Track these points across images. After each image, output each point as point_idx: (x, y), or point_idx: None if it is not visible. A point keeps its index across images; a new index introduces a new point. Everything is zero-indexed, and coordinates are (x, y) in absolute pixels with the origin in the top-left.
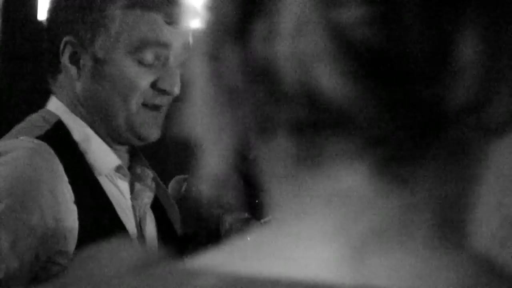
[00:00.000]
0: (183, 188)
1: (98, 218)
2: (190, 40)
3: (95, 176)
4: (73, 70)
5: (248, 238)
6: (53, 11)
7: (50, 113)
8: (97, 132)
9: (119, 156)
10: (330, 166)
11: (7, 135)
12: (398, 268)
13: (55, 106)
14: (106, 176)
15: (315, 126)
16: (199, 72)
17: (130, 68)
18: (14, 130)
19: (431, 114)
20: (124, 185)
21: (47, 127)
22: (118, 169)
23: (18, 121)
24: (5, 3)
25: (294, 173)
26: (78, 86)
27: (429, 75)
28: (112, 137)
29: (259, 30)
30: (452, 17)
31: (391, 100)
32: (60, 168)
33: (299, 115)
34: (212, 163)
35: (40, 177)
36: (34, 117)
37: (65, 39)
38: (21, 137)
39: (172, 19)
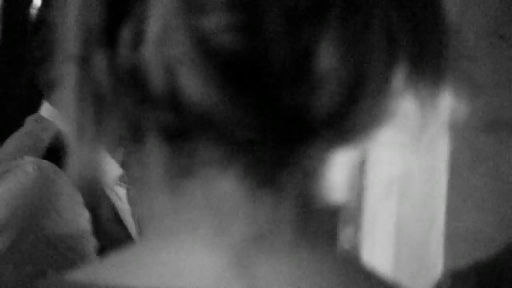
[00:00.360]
0: None
1: (109, 231)
2: None
3: (101, 187)
4: None
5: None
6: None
7: (46, 120)
8: None
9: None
10: (202, 173)
11: (5, 149)
12: (276, 272)
13: (49, 113)
14: (107, 185)
15: (184, 132)
16: (67, 75)
17: None
18: (12, 145)
19: (295, 120)
20: (122, 191)
21: (47, 140)
22: (120, 177)
23: (16, 125)
24: (5, 4)
25: (167, 181)
26: None
27: (291, 82)
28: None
29: (126, 34)
30: (314, 26)
31: (256, 106)
32: (72, 189)
33: (168, 121)
34: (79, 164)
35: (51, 204)
36: (30, 127)
37: None
38: (26, 158)
39: None
